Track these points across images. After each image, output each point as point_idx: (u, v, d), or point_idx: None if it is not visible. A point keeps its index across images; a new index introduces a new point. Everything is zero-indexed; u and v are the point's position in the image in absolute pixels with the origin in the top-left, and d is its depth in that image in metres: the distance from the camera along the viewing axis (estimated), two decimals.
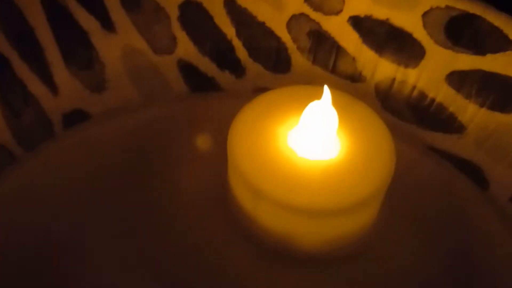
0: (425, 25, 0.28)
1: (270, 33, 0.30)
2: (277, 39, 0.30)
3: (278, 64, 0.31)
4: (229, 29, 0.30)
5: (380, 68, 0.30)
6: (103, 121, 0.29)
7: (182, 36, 0.30)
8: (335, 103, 0.24)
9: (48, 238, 0.25)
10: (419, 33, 0.28)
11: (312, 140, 0.24)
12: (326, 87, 0.24)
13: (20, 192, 0.27)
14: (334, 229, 0.24)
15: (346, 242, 0.24)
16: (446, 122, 0.29)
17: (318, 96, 0.24)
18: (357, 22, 0.29)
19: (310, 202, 0.23)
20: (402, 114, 0.30)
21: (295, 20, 0.30)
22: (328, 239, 0.24)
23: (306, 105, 0.24)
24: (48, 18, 0.28)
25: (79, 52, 0.29)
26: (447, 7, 0.27)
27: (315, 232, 0.24)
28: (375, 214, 0.25)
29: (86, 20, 0.29)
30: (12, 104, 0.27)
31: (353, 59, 0.30)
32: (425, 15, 0.28)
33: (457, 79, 0.28)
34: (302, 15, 0.30)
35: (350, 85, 0.30)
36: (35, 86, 0.28)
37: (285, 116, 0.25)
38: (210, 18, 0.30)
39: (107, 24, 0.29)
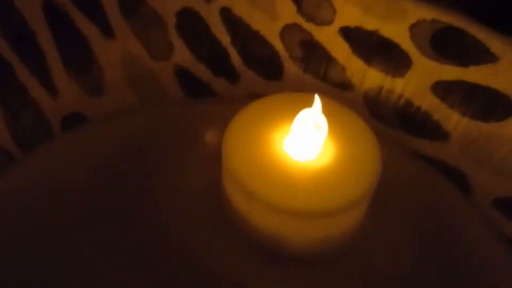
0: (412, 37, 0.29)
1: (264, 42, 0.31)
2: (271, 47, 0.31)
3: (271, 71, 0.32)
4: (224, 37, 0.31)
5: (369, 77, 0.31)
6: (100, 125, 0.30)
7: (178, 43, 0.31)
8: (325, 110, 0.25)
9: (45, 239, 0.26)
10: (407, 44, 0.29)
11: (302, 145, 0.25)
12: (317, 96, 0.25)
13: (18, 193, 0.27)
14: (323, 230, 0.25)
15: (334, 242, 0.25)
16: (431, 130, 0.30)
17: (310, 103, 0.25)
18: (347, 33, 0.30)
19: (300, 204, 0.24)
20: (389, 121, 0.31)
21: (288, 30, 0.31)
22: (317, 239, 0.25)
23: (298, 111, 0.25)
24: (49, 23, 0.29)
25: (79, 57, 0.30)
26: (433, 20, 0.28)
27: (305, 233, 0.25)
28: (362, 216, 0.26)
29: (86, 26, 0.30)
30: (12, 106, 0.28)
31: (343, 68, 0.31)
32: (412, 27, 0.29)
33: (442, 89, 0.29)
34: (295, 25, 0.31)
35: (339, 92, 0.31)
36: (36, 89, 0.29)
37: (277, 122, 0.26)
38: (206, 26, 0.31)
39: (107, 30, 0.30)
